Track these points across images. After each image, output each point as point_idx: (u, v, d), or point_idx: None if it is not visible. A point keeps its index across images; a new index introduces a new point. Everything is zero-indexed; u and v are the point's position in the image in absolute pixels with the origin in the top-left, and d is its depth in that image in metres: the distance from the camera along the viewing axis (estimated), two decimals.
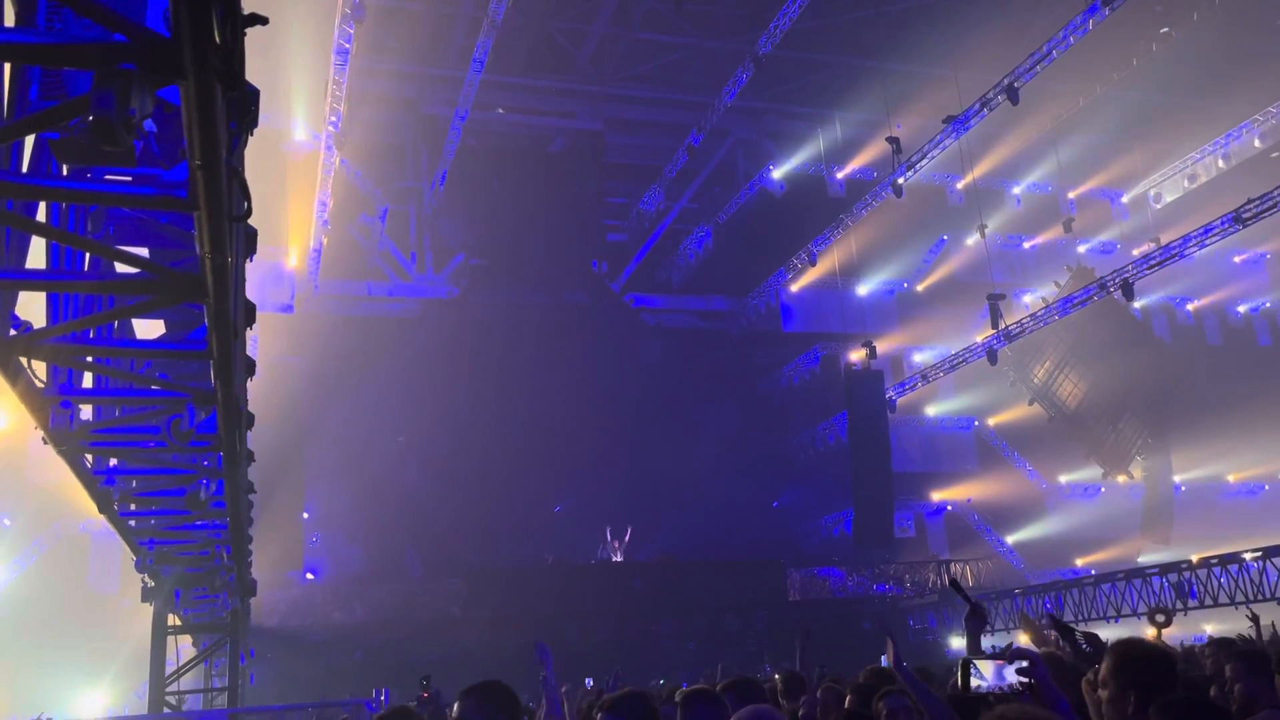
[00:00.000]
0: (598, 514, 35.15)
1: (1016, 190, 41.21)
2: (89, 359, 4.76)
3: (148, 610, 12.20)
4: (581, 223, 37.36)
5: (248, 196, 3.16)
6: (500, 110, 35.14)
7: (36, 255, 4.88)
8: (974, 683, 3.53)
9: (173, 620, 11.44)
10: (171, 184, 3.20)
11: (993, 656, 3.65)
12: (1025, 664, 3.40)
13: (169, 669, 10.78)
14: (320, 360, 31.41)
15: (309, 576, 31.11)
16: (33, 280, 4.03)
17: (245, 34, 2.60)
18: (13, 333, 3.93)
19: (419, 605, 28.53)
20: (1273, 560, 21.56)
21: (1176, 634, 22.68)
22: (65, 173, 4.41)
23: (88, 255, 5.35)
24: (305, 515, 31.70)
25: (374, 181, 34.86)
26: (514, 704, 3.57)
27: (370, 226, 35.43)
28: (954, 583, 4.90)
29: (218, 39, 2.29)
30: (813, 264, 35.37)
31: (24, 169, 4.00)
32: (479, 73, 28.50)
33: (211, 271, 3.42)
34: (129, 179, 4.43)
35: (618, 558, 31.11)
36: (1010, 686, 3.41)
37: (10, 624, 25.70)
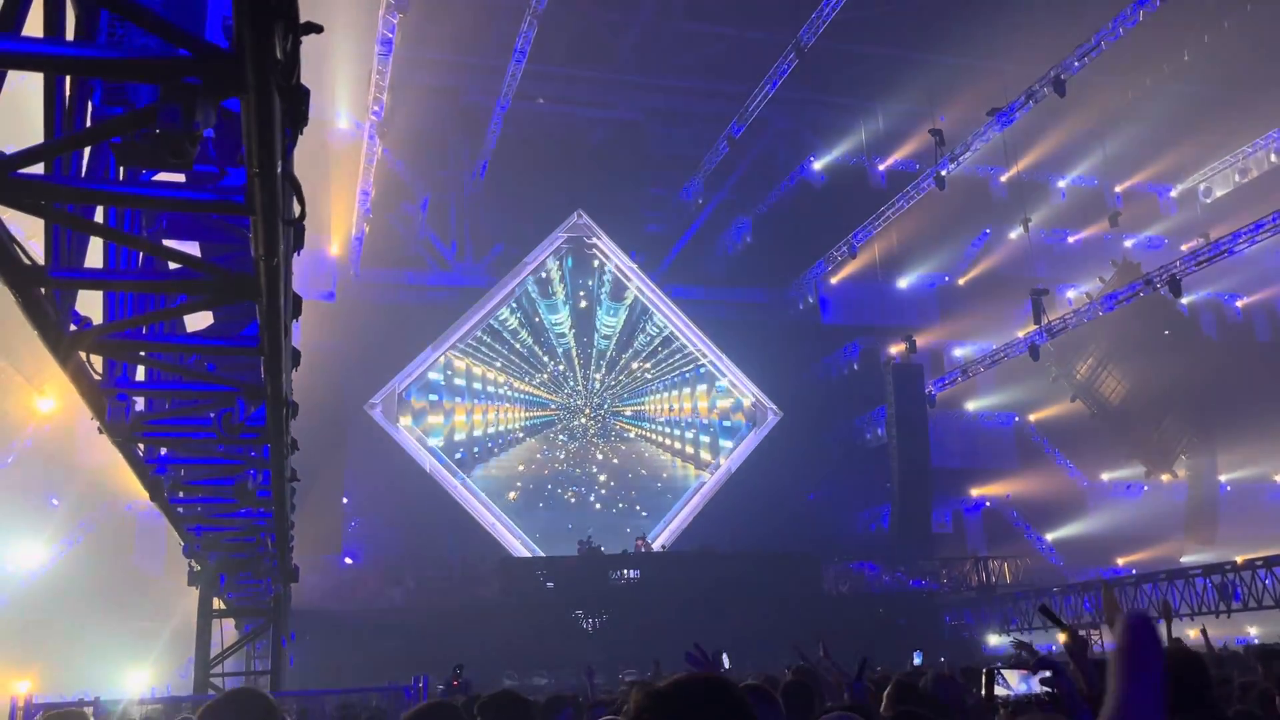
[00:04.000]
0: (633, 503, 35.38)
1: (1061, 184, 40.62)
2: (143, 354, 4.87)
3: (191, 592, 12.44)
4: (620, 213, 37.39)
5: (301, 200, 3.22)
6: (541, 100, 35.21)
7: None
8: (999, 691, 3.54)
9: (217, 604, 11.66)
10: (229, 189, 3.28)
11: (1018, 665, 3.65)
12: (1049, 674, 3.41)
13: (211, 651, 10.99)
14: (360, 347, 31.72)
15: (347, 561, 31.51)
16: (97, 280, 4.14)
17: (301, 42, 2.64)
18: (73, 328, 4.04)
19: (454, 591, 28.84)
20: None
21: (1219, 636, 22.41)
22: (122, 174, 4.52)
23: (141, 253, 5.49)
24: (345, 500, 32.10)
25: (415, 171, 35.11)
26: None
27: (411, 215, 35.71)
28: (1045, 609, 4.87)
29: (279, 54, 2.34)
30: (853, 256, 35.18)
31: (82, 168, 4.11)
32: (520, 63, 28.59)
33: (265, 273, 3.49)
34: (182, 179, 4.54)
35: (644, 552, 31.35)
36: (1034, 696, 3.41)
37: (56, 603, 26.24)
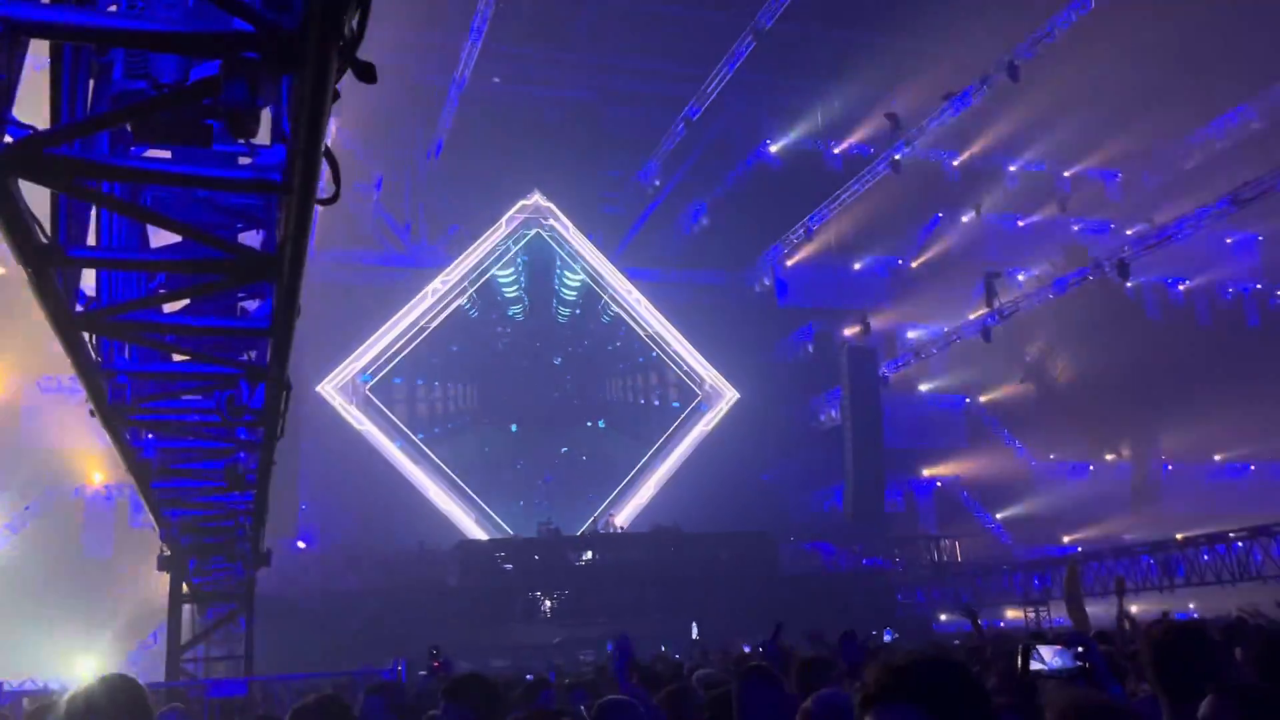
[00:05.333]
0: (588, 483, 35.39)
1: (1012, 168, 41.22)
2: (138, 335, 4.76)
3: (142, 576, 12.15)
4: (577, 195, 37.21)
5: (337, 179, 3.17)
6: (496, 80, 34.84)
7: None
8: (1034, 665, 3.65)
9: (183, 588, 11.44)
10: (266, 167, 3.21)
11: (1053, 640, 3.76)
12: (1082, 649, 3.54)
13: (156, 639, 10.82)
14: (312, 328, 31.26)
15: (300, 544, 31.17)
16: (115, 259, 4.03)
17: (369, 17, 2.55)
18: (79, 308, 3.94)
19: (412, 574, 28.68)
20: (1258, 540, 21.91)
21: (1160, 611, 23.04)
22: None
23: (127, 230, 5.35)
24: (298, 483, 31.69)
25: (369, 149, 34.60)
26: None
27: (364, 195, 35.22)
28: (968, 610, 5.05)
29: (348, 31, 2.30)
30: (809, 239, 35.46)
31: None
32: (477, 42, 28.32)
33: (291, 254, 3.43)
34: (168, 155, 4.42)
35: (615, 530, 31.43)
36: (1069, 670, 3.53)
37: (3, 589, 25.69)
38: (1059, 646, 3.53)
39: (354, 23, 2.35)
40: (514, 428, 36.27)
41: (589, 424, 37.11)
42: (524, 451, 36.27)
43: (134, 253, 4.18)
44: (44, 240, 3.36)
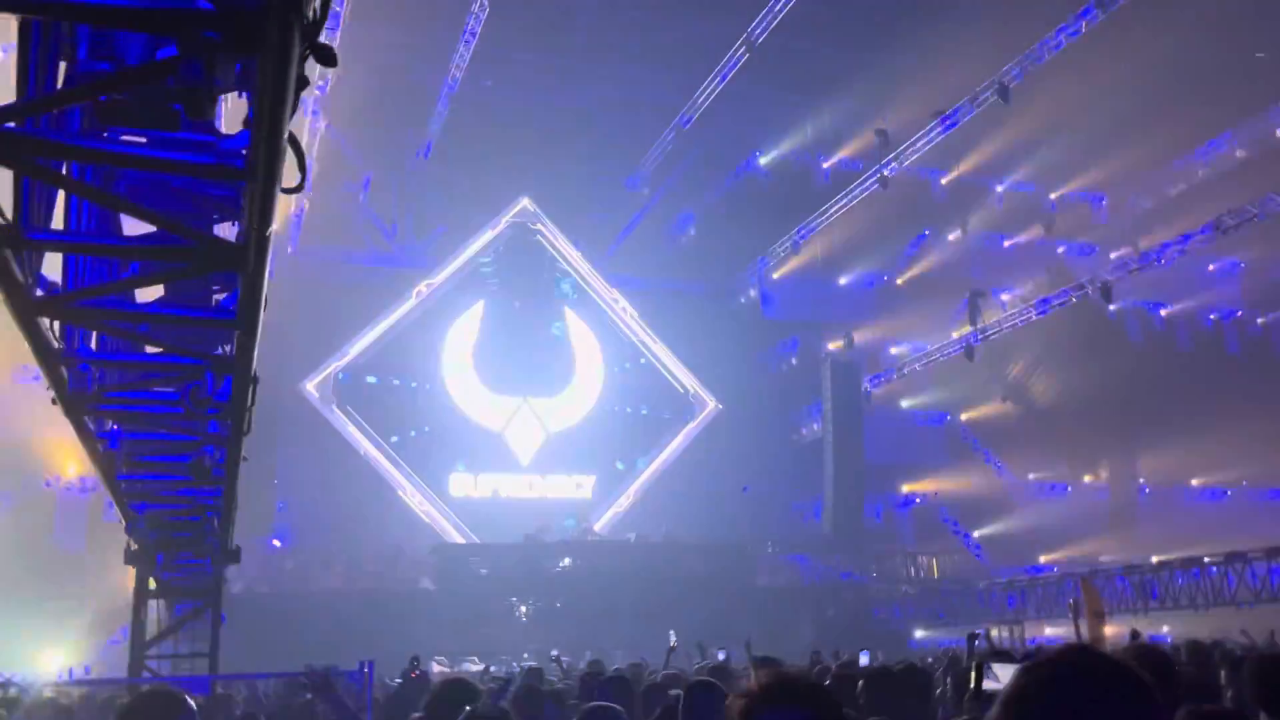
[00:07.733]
0: (572, 493, 35.28)
1: (1000, 188, 41.33)
2: (101, 322, 4.68)
3: (114, 570, 11.93)
4: (565, 200, 37.16)
5: (303, 167, 3.11)
6: (488, 83, 34.75)
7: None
8: (987, 684, 3.60)
9: (150, 583, 11.30)
10: (228, 153, 3.16)
11: (1009, 659, 3.71)
12: None
13: (126, 635, 10.65)
14: (294, 325, 31.11)
15: (275, 543, 31.00)
16: (76, 243, 3.96)
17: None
18: (39, 293, 3.87)
19: (387, 576, 28.54)
20: (1233, 566, 22.01)
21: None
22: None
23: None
24: (275, 481, 31.53)
25: (357, 149, 34.45)
26: None
27: (352, 194, 35.06)
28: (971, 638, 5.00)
29: (311, 13, 2.25)
30: (795, 252, 35.51)
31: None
32: (470, 44, 28.27)
33: (256, 243, 3.37)
34: (142, 140, 4.36)
35: (593, 538, 31.41)
36: None
37: None
38: (1015, 665, 3.48)
39: (317, 4, 2.31)
40: (498, 423, 36.05)
41: (566, 429, 36.92)
42: (502, 455, 36.08)
43: (93, 237, 4.10)
44: (2, 222, 3.30)
